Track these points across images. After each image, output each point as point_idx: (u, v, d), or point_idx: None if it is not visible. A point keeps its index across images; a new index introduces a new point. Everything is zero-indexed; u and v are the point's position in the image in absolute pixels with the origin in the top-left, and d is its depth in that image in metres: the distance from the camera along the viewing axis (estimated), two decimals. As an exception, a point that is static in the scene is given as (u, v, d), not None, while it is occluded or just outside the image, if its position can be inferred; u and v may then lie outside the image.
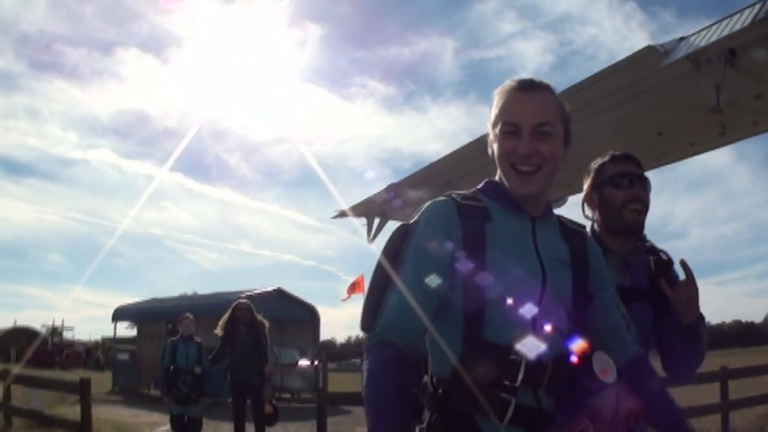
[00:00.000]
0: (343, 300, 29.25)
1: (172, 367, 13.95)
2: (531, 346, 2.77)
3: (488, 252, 2.82)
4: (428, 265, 2.80)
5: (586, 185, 4.27)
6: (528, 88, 2.99)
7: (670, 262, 4.14)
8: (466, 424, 2.79)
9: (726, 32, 9.16)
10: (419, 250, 2.84)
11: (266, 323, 14.65)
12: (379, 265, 2.93)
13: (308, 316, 39.46)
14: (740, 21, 9.05)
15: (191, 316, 14.71)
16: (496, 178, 3.10)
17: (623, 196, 4.03)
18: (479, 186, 3.15)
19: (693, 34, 9.82)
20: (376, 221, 16.75)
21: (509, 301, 2.78)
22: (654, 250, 4.20)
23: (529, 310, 2.81)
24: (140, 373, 34.82)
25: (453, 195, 3.02)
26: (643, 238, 4.23)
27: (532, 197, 3.00)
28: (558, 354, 2.85)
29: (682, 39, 9.80)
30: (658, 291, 3.93)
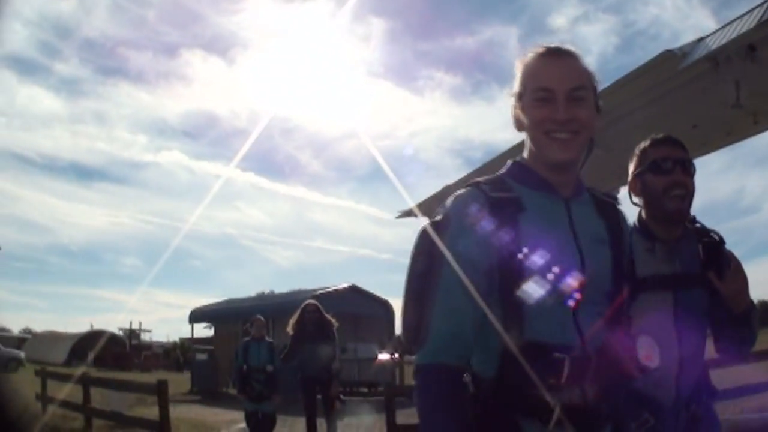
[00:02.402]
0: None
1: (245, 367, 14.51)
2: (574, 342, 2.71)
3: (523, 246, 2.70)
4: (467, 265, 2.69)
5: (630, 171, 4.13)
6: (558, 53, 2.92)
7: (721, 242, 3.95)
8: (509, 427, 2.72)
9: (744, 29, 9.50)
10: (456, 250, 2.71)
11: (334, 322, 15.04)
12: (412, 270, 2.85)
13: (383, 310, 39.41)
14: (756, 17, 9.50)
15: (262, 318, 15.29)
16: (525, 154, 3.00)
17: (664, 182, 3.90)
18: (504, 170, 3.00)
19: (710, 34, 10.21)
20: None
21: (548, 297, 2.68)
22: (705, 232, 4.00)
23: (569, 304, 2.72)
24: (217, 373, 35.31)
25: (481, 186, 2.86)
26: (693, 221, 4.05)
27: (568, 165, 2.89)
28: (601, 344, 2.77)
29: (700, 40, 10.16)
30: (708, 270, 3.79)
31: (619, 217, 3.08)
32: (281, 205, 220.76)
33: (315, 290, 33.93)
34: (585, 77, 2.91)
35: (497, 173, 2.99)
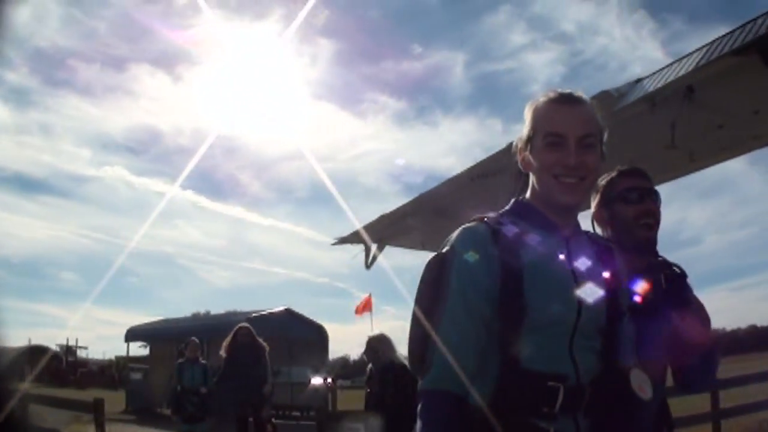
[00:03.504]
0: (356, 312, 29.65)
1: (179, 388, 14.61)
2: (569, 372, 2.78)
3: (525, 278, 2.79)
4: (473, 295, 2.81)
5: (594, 203, 4.12)
6: (571, 100, 3.01)
7: (683, 275, 3.94)
8: None
9: (683, 72, 9.73)
10: (463, 280, 2.83)
11: (266, 346, 15.12)
12: (420, 297, 2.94)
13: (317, 334, 39.62)
14: (695, 60, 9.79)
15: (196, 340, 15.42)
16: (528, 194, 3.12)
17: (634, 211, 3.94)
18: (507, 207, 3.15)
19: (648, 76, 10.46)
20: (374, 248, 17.21)
21: (547, 327, 2.79)
22: (667, 265, 3.99)
23: (566, 335, 2.81)
24: (153, 393, 34.84)
25: (485, 219, 3.00)
26: (655, 254, 4.04)
27: (570, 210, 3.03)
28: (595, 376, 2.85)
29: (637, 81, 10.38)
30: (672, 307, 3.74)
31: (614, 258, 3.13)
32: (220, 225, 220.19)
33: (250, 312, 34.40)
34: (595, 125, 3.00)
35: (501, 210, 3.12)
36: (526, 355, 2.76)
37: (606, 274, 3.01)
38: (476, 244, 2.88)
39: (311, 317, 40.96)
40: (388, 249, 17.95)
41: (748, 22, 9.90)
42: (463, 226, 3.00)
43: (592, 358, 2.86)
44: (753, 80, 10.26)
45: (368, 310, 28.74)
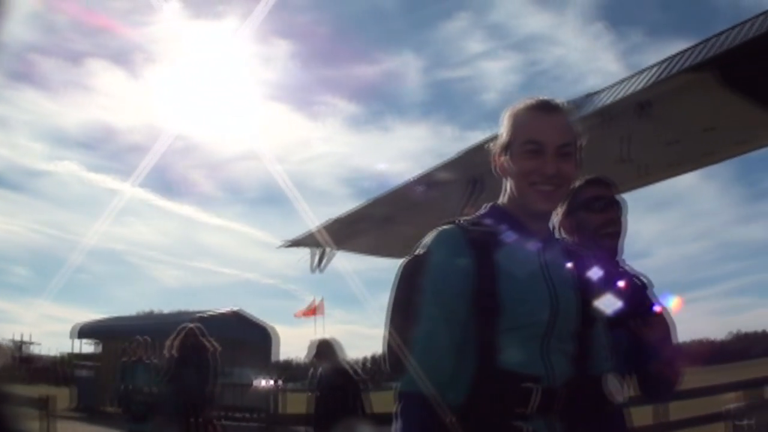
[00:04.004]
0: (296, 316, 29.60)
1: (126, 387, 14.53)
2: (543, 374, 2.80)
3: (500, 279, 2.82)
4: (448, 297, 2.82)
5: (560, 210, 4.09)
6: (551, 108, 3.04)
7: (645, 286, 3.99)
8: None
9: (639, 87, 9.89)
10: (438, 282, 2.85)
11: (212, 347, 15.07)
12: (395, 299, 2.96)
13: (264, 336, 39.57)
14: (651, 76, 9.98)
15: (144, 339, 15.34)
16: (503, 200, 3.14)
17: (598, 220, 4.01)
18: (482, 212, 3.15)
19: (602, 90, 10.51)
20: (323, 251, 17.16)
21: (522, 328, 2.81)
22: (629, 275, 4.02)
23: (540, 336, 2.83)
24: (102, 391, 34.52)
25: (460, 222, 3.02)
26: (620, 263, 4.09)
27: (544, 216, 3.10)
28: (569, 379, 2.86)
29: (589, 95, 10.42)
30: (634, 316, 3.73)
31: (586, 265, 3.14)
32: (170, 224, 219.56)
33: (198, 312, 34.23)
34: (573, 134, 3.05)
35: (475, 214, 3.14)
36: (501, 355, 2.77)
37: (579, 280, 3.03)
38: (451, 246, 2.90)
39: (259, 319, 41.02)
40: (337, 253, 17.90)
41: (707, 40, 9.95)
42: (438, 229, 3.02)
43: (565, 361, 2.87)
44: (709, 97, 10.33)
45: (319, 313, 28.77)
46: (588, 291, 3.05)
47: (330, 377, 10.84)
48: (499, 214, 3.09)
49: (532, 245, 2.98)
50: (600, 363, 3.04)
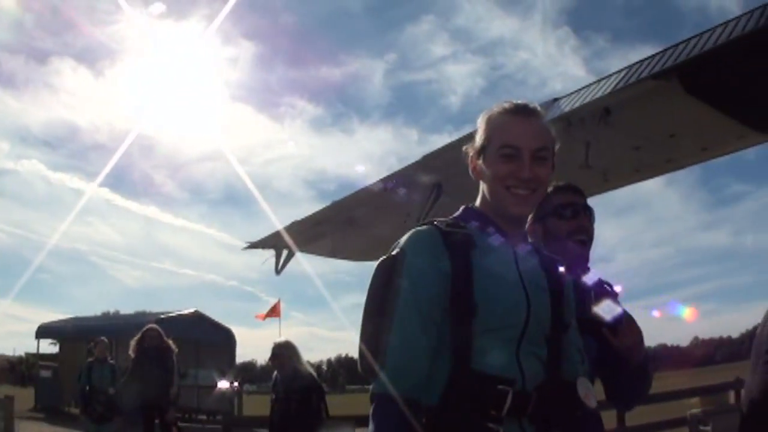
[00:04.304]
0: (257, 317, 29.62)
1: (87, 388, 14.43)
2: (517, 377, 2.76)
3: (475, 280, 2.79)
4: (424, 297, 2.79)
5: (528, 217, 3.77)
6: (527, 112, 3.02)
7: (613, 293, 3.75)
8: None
9: (599, 94, 9.86)
10: (413, 282, 2.81)
11: (174, 348, 14.93)
12: (370, 299, 2.90)
13: (225, 338, 39.40)
14: (613, 82, 10.02)
15: (105, 340, 15.30)
16: (478, 203, 3.13)
17: (567, 227, 3.96)
18: (457, 213, 3.13)
19: (565, 96, 10.57)
20: (285, 253, 17.20)
21: (496, 331, 2.78)
22: (597, 281, 3.82)
23: (514, 339, 2.80)
24: (62, 391, 34.35)
25: (435, 222, 2.97)
26: (588, 270, 3.94)
27: (519, 220, 3.07)
28: (541, 383, 2.82)
29: (555, 100, 10.47)
30: (601, 323, 3.55)
31: (561, 270, 3.13)
32: (132, 224, 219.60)
33: (159, 313, 34.33)
34: (548, 138, 3.03)
35: (451, 216, 3.10)
36: (475, 357, 2.74)
37: (552, 285, 3.01)
38: (427, 246, 2.87)
39: (219, 320, 40.90)
40: (298, 255, 18.02)
41: (671, 47, 10.03)
42: (414, 229, 2.98)
43: (537, 365, 2.84)
44: (671, 105, 10.45)
45: (276, 315, 28.76)
46: (560, 296, 3.03)
47: (288, 380, 10.78)
48: (474, 216, 3.07)
49: (508, 248, 2.97)
50: (573, 367, 3.01)
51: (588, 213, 4.05)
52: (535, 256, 3.09)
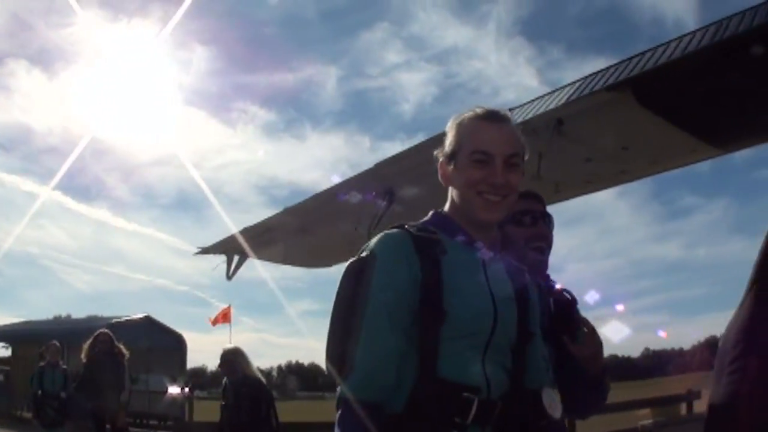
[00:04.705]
0: (210, 322, 29.55)
1: (39, 392, 14.33)
2: (482, 385, 2.72)
3: (444, 287, 2.76)
4: (394, 302, 2.75)
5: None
6: (499, 118, 3.01)
7: (573, 301, 3.65)
8: None
9: (552, 105, 9.90)
10: (384, 286, 2.77)
11: (126, 353, 14.80)
12: (338, 303, 2.86)
13: (176, 343, 39.39)
14: (567, 94, 10.08)
15: (57, 344, 15.18)
16: (447, 208, 3.09)
17: (526, 234, 3.90)
18: (426, 218, 3.08)
19: (518, 106, 10.62)
20: (236, 259, 17.15)
21: (463, 338, 2.74)
22: (557, 290, 3.68)
23: (480, 347, 2.77)
24: (14, 395, 34.04)
25: (406, 227, 2.93)
26: (547, 278, 3.86)
27: (488, 226, 3.02)
28: (506, 391, 2.78)
29: (508, 110, 10.56)
30: (560, 332, 3.51)
31: (527, 282, 3.07)
32: (85, 227, 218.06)
33: (111, 318, 34.38)
34: (519, 144, 3.00)
35: (419, 221, 3.03)
36: (442, 364, 2.70)
37: (518, 293, 2.96)
38: (397, 250, 2.82)
39: (170, 326, 40.79)
40: (249, 261, 18.03)
41: (624, 60, 10.12)
42: (384, 232, 2.94)
43: (502, 373, 2.79)
44: (624, 117, 10.51)
45: (227, 321, 28.69)
46: (526, 304, 2.98)
47: (238, 387, 10.75)
48: (444, 221, 3.03)
49: (476, 256, 2.93)
50: (538, 376, 2.96)
51: (547, 220, 4.05)
52: (502, 263, 3.02)
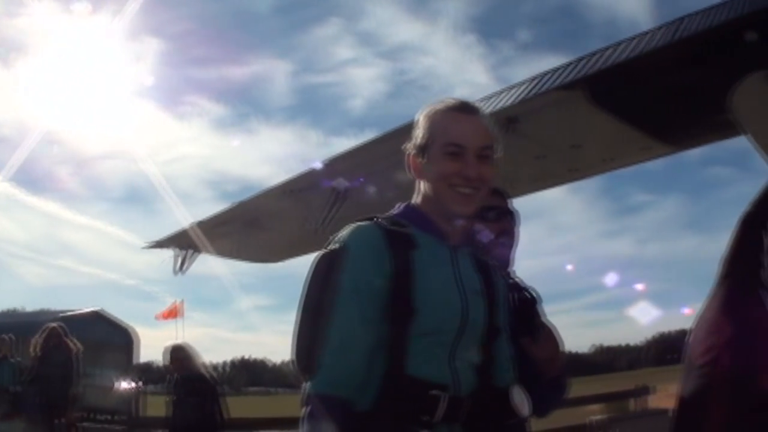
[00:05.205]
0: (157, 318, 29.42)
1: (-10, 386, 14.20)
2: (450, 382, 2.71)
3: (415, 283, 2.74)
4: (365, 296, 2.71)
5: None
6: (471, 110, 2.99)
7: (534, 300, 3.68)
8: None
9: (508, 102, 10.02)
10: (354, 279, 2.73)
11: (76, 347, 14.72)
12: (307, 296, 2.82)
13: (125, 337, 39.39)
14: (520, 92, 10.32)
15: (7, 338, 14.98)
16: (417, 200, 3.05)
17: (491, 230, 3.82)
18: (395, 211, 3.05)
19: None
20: (186, 253, 17.05)
21: (432, 334, 2.72)
22: (519, 287, 3.70)
23: (449, 344, 2.75)
24: (-36, 390, 33.74)
25: (377, 219, 2.92)
26: (509, 275, 3.80)
27: (463, 217, 2.98)
28: (474, 389, 2.77)
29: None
30: (521, 331, 3.48)
31: (494, 275, 3.09)
32: (35, 220, 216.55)
33: (62, 311, 33.91)
34: (492, 136, 2.99)
35: (388, 213, 3.03)
36: (410, 361, 2.68)
37: (486, 290, 2.94)
38: (369, 243, 2.80)
39: (120, 320, 40.44)
40: (201, 256, 17.87)
41: (580, 59, 10.21)
42: (355, 224, 2.90)
43: (470, 371, 2.78)
44: (577, 115, 10.60)
45: (176, 315, 28.60)
46: (494, 300, 2.97)
47: (186, 382, 10.70)
48: (414, 214, 3.00)
49: (446, 250, 2.92)
50: (503, 374, 2.95)
51: (512, 216, 4.03)
52: (471, 258, 3.02)
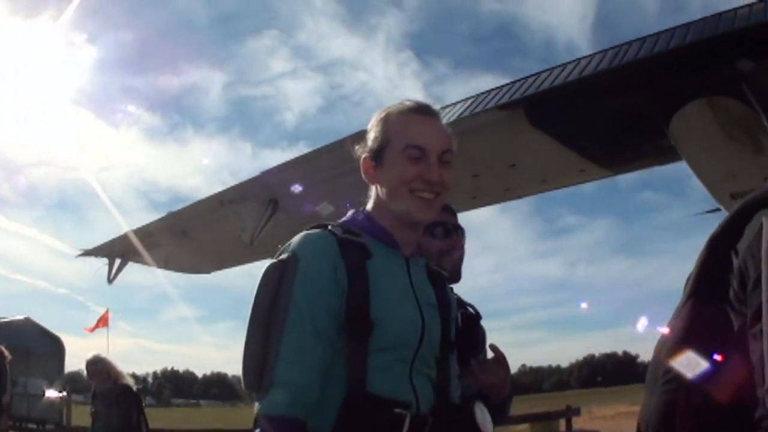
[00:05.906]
0: (88, 330, 29.10)
1: None
2: (412, 399, 2.54)
3: (372, 295, 2.55)
4: (319, 309, 2.49)
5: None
6: (431, 113, 2.78)
7: (477, 317, 3.81)
8: None
9: (443, 121, 9.98)
10: (307, 291, 2.51)
11: (6, 354, 14.28)
12: (257, 309, 2.58)
13: (55, 346, 38.89)
14: (458, 110, 10.39)
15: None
16: (369, 206, 2.82)
17: (439, 245, 3.73)
18: (346, 218, 2.82)
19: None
20: (117, 263, 16.88)
21: (391, 350, 2.55)
22: (461, 304, 3.73)
23: (407, 359, 2.59)
24: None
25: (329, 227, 2.68)
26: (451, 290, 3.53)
27: (417, 228, 2.78)
28: (434, 405, 2.62)
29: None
30: (463, 348, 3.22)
31: (446, 287, 2.92)
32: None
33: (-9, 318, 33.46)
34: (451, 141, 2.76)
35: (340, 220, 2.79)
36: (371, 378, 2.48)
37: (439, 302, 2.77)
38: (321, 252, 2.56)
39: (49, 328, 40.24)
40: (130, 265, 17.79)
41: (518, 80, 10.22)
42: (306, 233, 2.65)
43: (428, 387, 2.62)
44: (513, 136, 10.66)
45: (104, 325, 28.36)
46: (447, 312, 2.81)
47: (106, 393, 10.52)
48: (366, 221, 2.77)
49: (401, 261, 2.72)
50: (454, 391, 2.79)
51: (459, 233, 3.89)
52: (424, 269, 2.84)
